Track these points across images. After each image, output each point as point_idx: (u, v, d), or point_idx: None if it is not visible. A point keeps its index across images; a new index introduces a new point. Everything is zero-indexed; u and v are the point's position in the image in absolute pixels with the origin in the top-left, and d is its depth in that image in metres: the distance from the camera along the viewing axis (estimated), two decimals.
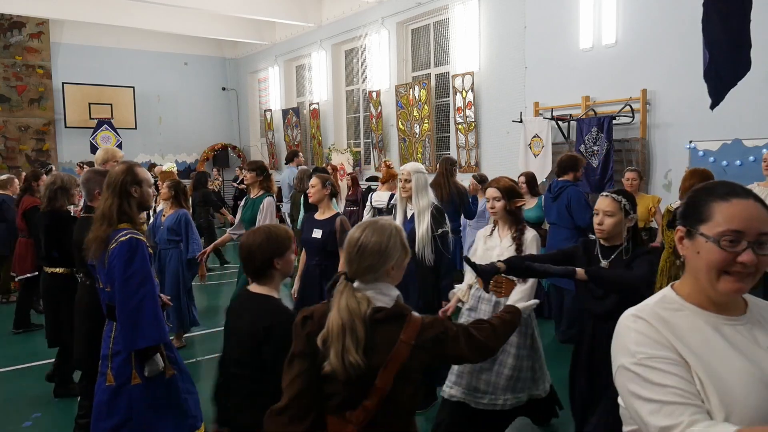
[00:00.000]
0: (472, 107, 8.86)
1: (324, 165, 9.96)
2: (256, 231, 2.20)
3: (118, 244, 2.50)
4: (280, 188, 8.53)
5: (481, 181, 6.66)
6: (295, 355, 1.69)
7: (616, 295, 2.52)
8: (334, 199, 4.05)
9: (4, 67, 13.13)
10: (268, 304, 2.12)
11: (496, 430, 3.14)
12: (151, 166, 12.09)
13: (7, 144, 13.22)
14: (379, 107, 10.69)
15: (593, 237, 2.75)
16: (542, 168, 7.42)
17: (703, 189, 1.27)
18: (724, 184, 1.24)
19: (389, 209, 4.48)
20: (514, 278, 2.83)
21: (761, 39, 3.99)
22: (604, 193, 2.65)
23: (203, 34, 13.56)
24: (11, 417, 3.90)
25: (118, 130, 13.58)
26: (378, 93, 10.66)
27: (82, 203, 4.02)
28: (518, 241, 3.01)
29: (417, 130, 9.96)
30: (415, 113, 9.93)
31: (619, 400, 1.27)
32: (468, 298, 3.19)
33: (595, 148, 6.82)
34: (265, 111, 14.67)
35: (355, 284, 1.70)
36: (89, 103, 13.78)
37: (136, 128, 14.38)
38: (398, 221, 3.63)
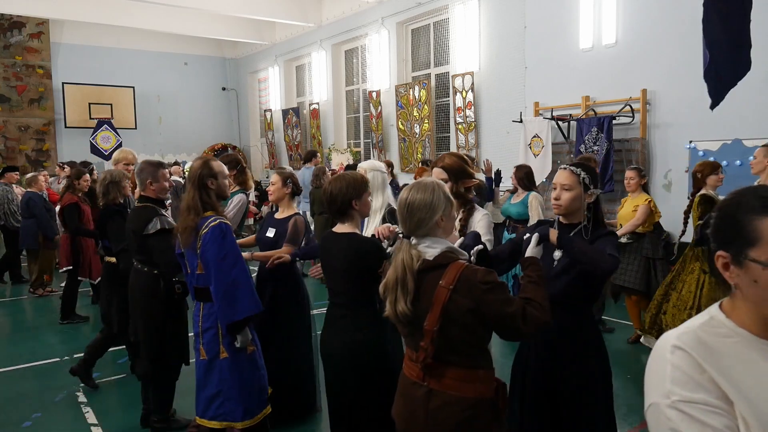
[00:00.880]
0: (472, 107, 8.86)
1: (319, 164, 9.94)
2: (338, 178, 2.54)
3: (209, 229, 2.74)
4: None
5: (390, 165, 6.65)
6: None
7: (571, 277, 2.24)
8: (296, 198, 3.87)
9: (4, 67, 13.13)
10: (354, 239, 2.46)
11: None
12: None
13: (7, 144, 13.22)
14: (379, 107, 10.69)
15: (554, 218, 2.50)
16: (542, 168, 7.43)
17: (734, 203, 1.08)
18: (755, 195, 1.06)
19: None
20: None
21: (761, 39, 3.99)
22: (563, 166, 2.40)
23: (203, 34, 13.56)
24: (11, 417, 3.90)
25: (118, 130, 13.58)
26: (378, 93, 10.66)
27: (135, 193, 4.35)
28: (463, 222, 2.71)
29: (417, 130, 9.97)
30: (415, 113, 9.93)
31: None
32: None
33: (595, 148, 6.82)
34: (265, 111, 14.67)
35: (412, 241, 1.90)
36: (89, 103, 13.78)
37: (136, 128, 14.38)
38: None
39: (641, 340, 5.04)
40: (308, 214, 8.27)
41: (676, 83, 6.37)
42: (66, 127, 13.68)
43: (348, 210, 2.51)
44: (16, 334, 5.98)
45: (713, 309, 1.13)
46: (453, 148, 9.49)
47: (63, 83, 13.49)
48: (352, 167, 7.24)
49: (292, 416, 3.67)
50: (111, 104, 14.01)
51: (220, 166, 2.93)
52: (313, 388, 3.79)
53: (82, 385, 4.40)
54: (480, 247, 2.09)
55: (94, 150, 13.22)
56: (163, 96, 15.16)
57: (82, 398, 4.19)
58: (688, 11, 5.80)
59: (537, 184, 7.41)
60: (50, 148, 13.70)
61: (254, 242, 3.87)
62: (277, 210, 3.77)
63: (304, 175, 8.36)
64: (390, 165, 8.01)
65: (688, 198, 4.82)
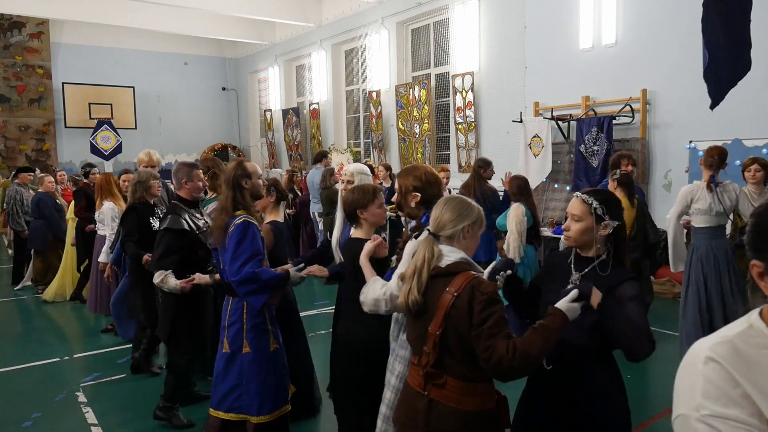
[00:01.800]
0: (472, 107, 8.86)
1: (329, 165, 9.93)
2: (353, 189, 2.77)
3: (234, 227, 2.90)
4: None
5: (388, 168, 6.54)
6: None
7: (596, 320, 1.92)
8: (281, 204, 3.80)
9: (4, 67, 13.14)
10: (355, 244, 2.62)
11: None
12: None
13: (7, 144, 13.23)
14: (379, 107, 10.69)
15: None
16: (542, 168, 7.43)
17: None
18: None
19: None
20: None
21: (761, 39, 3.99)
22: (576, 194, 2.14)
23: (203, 34, 13.56)
24: (11, 417, 3.90)
25: (118, 130, 13.58)
26: (378, 93, 10.66)
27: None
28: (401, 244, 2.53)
29: (417, 130, 9.97)
30: (415, 113, 9.93)
31: None
32: None
33: (595, 148, 6.82)
34: (265, 111, 14.67)
35: (438, 240, 1.99)
36: (89, 103, 13.79)
37: (136, 128, 14.39)
38: (337, 226, 3.34)
39: None
40: (317, 215, 8.30)
41: (676, 83, 6.37)
42: (66, 127, 13.69)
43: (356, 217, 2.71)
44: (16, 334, 5.98)
45: (753, 316, 1.06)
46: (453, 148, 9.50)
47: (63, 83, 13.49)
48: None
49: (293, 418, 3.67)
50: (111, 104, 14.02)
51: (253, 166, 3.09)
52: (312, 390, 3.79)
53: (82, 385, 4.40)
54: (509, 272, 2.08)
55: (94, 150, 13.22)
56: (163, 96, 15.16)
57: (82, 398, 4.19)
58: (688, 11, 5.80)
59: (537, 183, 7.44)
60: (50, 148, 13.70)
61: None
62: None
63: (314, 176, 8.35)
64: (388, 168, 7.88)
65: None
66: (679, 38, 6.22)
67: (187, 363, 3.64)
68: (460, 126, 9.15)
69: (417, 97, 9.83)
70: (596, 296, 1.88)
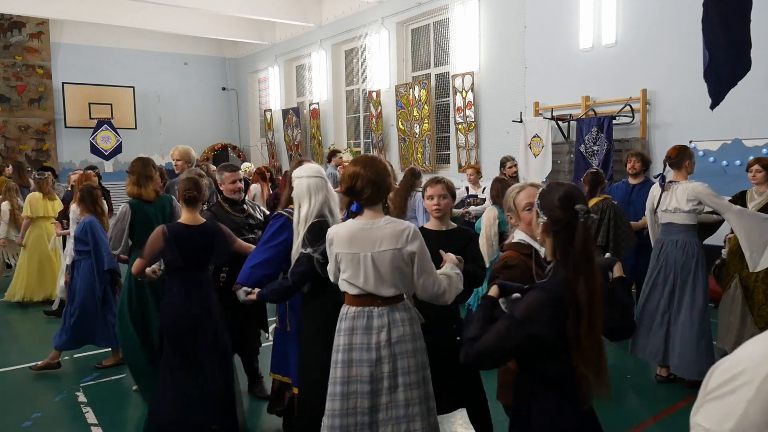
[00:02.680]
0: (472, 107, 8.86)
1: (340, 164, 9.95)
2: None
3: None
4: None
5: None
6: None
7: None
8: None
9: (4, 67, 13.13)
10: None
11: None
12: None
13: (7, 144, 13.21)
14: (379, 107, 10.69)
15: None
16: (542, 168, 7.43)
17: None
18: None
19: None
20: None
21: (761, 39, 3.99)
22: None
23: (203, 34, 13.55)
24: (11, 417, 3.90)
25: (118, 130, 13.57)
26: (378, 93, 10.66)
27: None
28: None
29: (417, 130, 9.96)
30: (415, 113, 9.93)
31: None
32: None
33: (595, 148, 6.82)
34: (265, 111, 14.67)
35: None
36: (89, 103, 13.77)
37: (136, 128, 14.38)
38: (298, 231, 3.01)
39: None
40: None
41: (676, 83, 6.37)
42: (66, 127, 13.67)
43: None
44: (16, 334, 5.98)
45: None
46: (453, 148, 9.50)
47: (63, 83, 13.48)
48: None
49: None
50: (111, 104, 14.00)
51: (310, 164, 3.24)
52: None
53: (82, 385, 4.40)
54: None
55: (94, 150, 13.21)
56: (163, 96, 15.15)
57: (82, 398, 4.19)
58: (688, 11, 5.80)
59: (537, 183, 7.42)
60: (50, 148, 13.69)
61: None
62: None
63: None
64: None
65: None
66: (679, 38, 6.22)
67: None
68: (460, 126, 9.15)
69: (417, 97, 9.83)
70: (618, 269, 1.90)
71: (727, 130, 5.93)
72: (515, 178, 6.62)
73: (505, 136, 8.37)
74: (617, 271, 1.92)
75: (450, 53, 9.56)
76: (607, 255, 2.09)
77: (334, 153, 9.21)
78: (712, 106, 3.31)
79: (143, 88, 14.56)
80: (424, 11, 9.88)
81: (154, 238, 3.24)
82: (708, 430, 0.96)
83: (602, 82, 7.09)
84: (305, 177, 3.01)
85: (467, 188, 7.08)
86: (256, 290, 2.94)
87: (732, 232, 4.30)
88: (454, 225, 3.01)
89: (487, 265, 4.67)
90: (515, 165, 7.04)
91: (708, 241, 4.53)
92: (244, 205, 4.09)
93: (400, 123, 10.26)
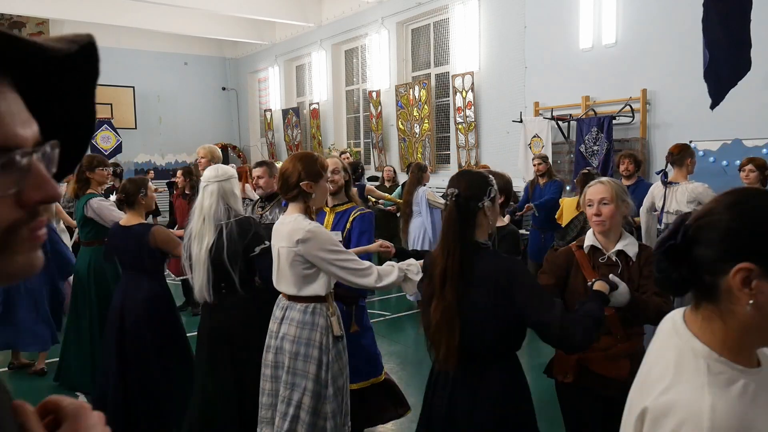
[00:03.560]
0: (472, 107, 8.86)
1: None
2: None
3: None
4: None
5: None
6: None
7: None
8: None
9: None
10: None
11: None
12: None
13: None
14: (379, 107, 10.69)
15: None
16: None
17: None
18: None
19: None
20: None
21: (761, 39, 3.98)
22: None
23: (203, 34, 13.56)
24: None
25: (118, 130, 13.57)
26: (378, 93, 10.66)
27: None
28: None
29: (417, 130, 9.96)
30: (415, 113, 9.93)
31: None
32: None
33: (595, 148, 6.82)
34: (265, 111, 14.67)
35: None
36: None
37: (136, 128, 14.38)
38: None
39: None
40: None
41: (676, 83, 6.36)
42: None
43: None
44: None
45: (696, 347, 0.92)
46: (453, 148, 9.50)
47: None
48: (355, 165, 7.26)
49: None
50: (111, 104, 14.00)
51: (336, 163, 3.28)
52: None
53: None
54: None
55: (94, 150, 13.21)
56: (163, 96, 15.15)
57: (82, 398, 4.18)
58: (688, 11, 5.80)
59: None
60: None
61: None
62: None
63: None
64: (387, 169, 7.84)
65: None
66: (679, 38, 6.22)
67: None
68: (460, 126, 9.15)
69: (417, 97, 9.83)
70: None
71: (727, 130, 5.93)
72: (543, 175, 6.41)
73: (505, 136, 8.37)
74: (597, 285, 2.06)
75: (450, 53, 9.56)
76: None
77: (341, 153, 9.20)
78: (712, 106, 3.31)
79: (143, 88, 14.56)
80: (424, 11, 9.87)
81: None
82: None
83: (602, 82, 7.08)
84: (218, 181, 2.84)
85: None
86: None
87: None
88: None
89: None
90: (539, 163, 6.69)
91: None
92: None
93: (400, 123, 10.26)
